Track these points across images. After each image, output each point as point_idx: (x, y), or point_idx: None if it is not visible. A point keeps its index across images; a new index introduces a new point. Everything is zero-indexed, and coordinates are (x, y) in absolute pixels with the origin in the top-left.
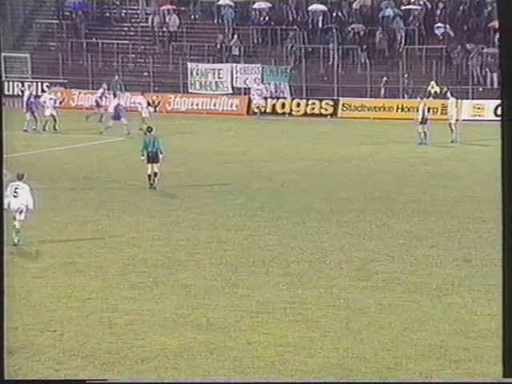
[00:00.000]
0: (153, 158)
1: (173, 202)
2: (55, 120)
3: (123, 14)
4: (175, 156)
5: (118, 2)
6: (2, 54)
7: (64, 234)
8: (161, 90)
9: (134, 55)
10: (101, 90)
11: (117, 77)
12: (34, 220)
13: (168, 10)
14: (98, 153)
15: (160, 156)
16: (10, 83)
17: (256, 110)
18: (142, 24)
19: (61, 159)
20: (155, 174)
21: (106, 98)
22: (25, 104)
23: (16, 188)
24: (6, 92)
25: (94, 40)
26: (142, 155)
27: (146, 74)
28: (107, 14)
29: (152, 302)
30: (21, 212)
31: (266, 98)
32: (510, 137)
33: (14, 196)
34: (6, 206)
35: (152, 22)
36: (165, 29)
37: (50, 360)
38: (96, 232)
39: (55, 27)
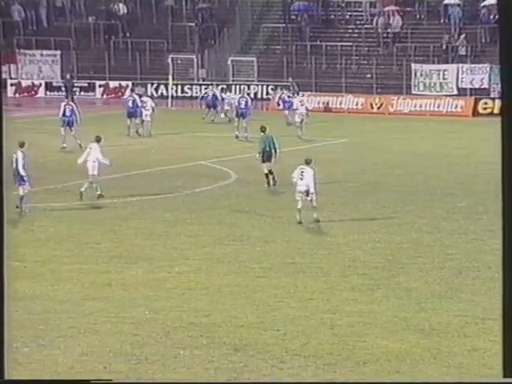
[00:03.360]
0: (267, 157)
1: (394, 204)
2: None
3: (347, 16)
4: (397, 158)
5: (343, 5)
6: (230, 58)
7: (286, 235)
8: (383, 91)
9: (357, 57)
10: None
11: (291, 78)
12: (256, 219)
13: (392, 11)
14: (319, 155)
15: (274, 155)
16: (237, 86)
17: None
18: (366, 26)
19: (282, 160)
20: (270, 172)
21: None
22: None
23: (302, 171)
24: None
25: (318, 42)
26: (259, 153)
27: (368, 75)
28: (332, 17)
29: (373, 305)
30: (308, 193)
31: (494, 99)
32: (510, 136)
33: (300, 178)
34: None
35: (376, 24)
36: (389, 30)
37: (273, 359)
38: (318, 233)
39: (281, 31)
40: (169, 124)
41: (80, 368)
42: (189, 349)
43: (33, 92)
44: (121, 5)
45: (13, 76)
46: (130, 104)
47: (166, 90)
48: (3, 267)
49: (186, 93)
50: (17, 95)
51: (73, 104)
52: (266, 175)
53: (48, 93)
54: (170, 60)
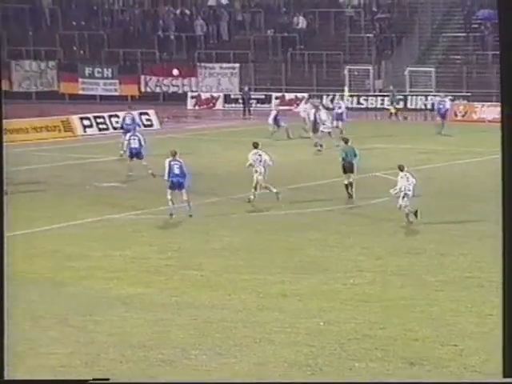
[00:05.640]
0: (348, 169)
1: None
2: None
3: None
4: None
5: None
6: (407, 69)
7: (464, 248)
8: None
9: None
10: None
11: (391, 87)
12: (431, 232)
13: None
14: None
15: (355, 166)
16: (413, 97)
17: None
18: None
19: (463, 172)
20: (350, 183)
21: None
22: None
23: (408, 177)
24: (409, 106)
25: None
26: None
27: None
28: None
29: None
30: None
31: None
32: (510, 139)
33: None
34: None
35: None
36: None
37: (451, 374)
38: (498, 247)
39: (462, 40)
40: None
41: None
42: (364, 361)
43: (211, 104)
44: (301, 18)
45: (193, 89)
46: (275, 113)
47: (342, 101)
48: (3, 267)
49: (362, 104)
50: (196, 107)
51: (133, 113)
52: (346, 186)
53: (226, 105)
54: (346, 71)
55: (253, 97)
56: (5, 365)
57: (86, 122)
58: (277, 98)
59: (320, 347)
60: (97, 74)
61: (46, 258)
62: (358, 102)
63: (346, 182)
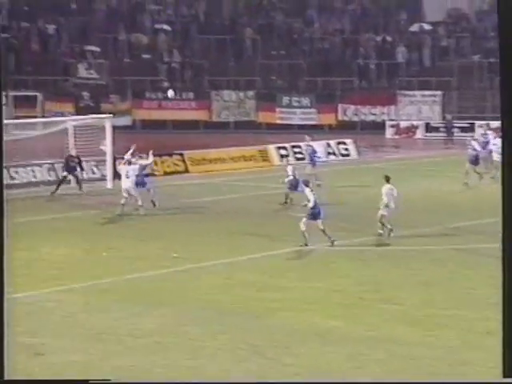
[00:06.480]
0: None
1: None
2: None
3: None
4: None
5: None
6: None
7: None
8: None
9: None
10: None
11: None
12: None
13: None
14: None
15: None
16: None
17: None
18: None
19: None
20: None
21: None
22: None
23: None
24: None
25: None
26: None
27: None
28: None
29: None
30: None
31: None
32: (510, 147)
33: None
34: None
35: None
36: None
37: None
38: None
39: None
40: None
41: None
42: None
43: (411, 133)
44: None
45: (392, 117)
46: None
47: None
48: (3, 268)
49: None
50: (396, 137)
51: (309, 143)
52: None
53: (427, 134)
54: None
55: (456, 125)
56: (5, 365)
57: (283, 152)
58: (480, 126)
59: None
60: (294, 103)
61: (242, 288)
62: None
63: None
